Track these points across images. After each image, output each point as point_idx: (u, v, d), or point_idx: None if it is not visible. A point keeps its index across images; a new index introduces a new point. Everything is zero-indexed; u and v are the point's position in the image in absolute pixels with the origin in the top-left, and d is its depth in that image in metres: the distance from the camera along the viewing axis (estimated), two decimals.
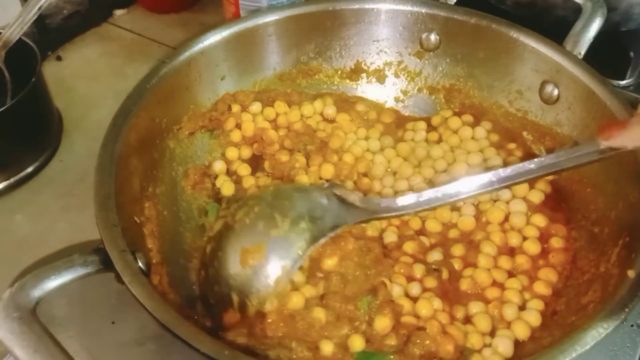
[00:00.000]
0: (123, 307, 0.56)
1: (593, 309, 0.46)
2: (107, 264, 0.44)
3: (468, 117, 0.67)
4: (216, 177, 0.64)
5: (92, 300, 0.57)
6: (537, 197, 0.59)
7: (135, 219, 0.52)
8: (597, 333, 0.41)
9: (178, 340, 0.40)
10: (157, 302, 0.42)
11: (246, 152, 0.66)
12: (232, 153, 0.65)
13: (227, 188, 0.63)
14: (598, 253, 0.52)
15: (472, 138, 0.65)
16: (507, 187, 0.53)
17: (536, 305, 0.52)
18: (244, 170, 0.65)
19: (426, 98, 0.71)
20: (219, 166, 0.64)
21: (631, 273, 0.44)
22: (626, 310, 0.42)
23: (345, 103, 0.70)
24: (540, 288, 0.53)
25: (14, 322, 0.39)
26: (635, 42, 0.76)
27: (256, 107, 0.67)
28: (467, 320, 0.52)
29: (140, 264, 0.45)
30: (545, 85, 0.62)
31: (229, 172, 0.65)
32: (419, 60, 0.70)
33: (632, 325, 0.54)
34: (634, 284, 0.44)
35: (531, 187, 0.60)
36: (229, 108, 0.66)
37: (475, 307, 0.52)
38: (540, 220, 0.58)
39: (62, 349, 0.39)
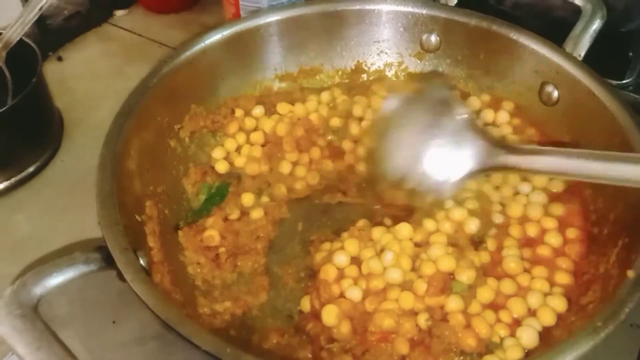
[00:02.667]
0: (124, 306, 0.56)
1: (593, 309, 0.47)
2: (108, 262, 0.44)
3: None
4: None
5: (93, 300, 0.57)
6: (558, 185, 0.60)
7: (137, 217, 0.52)
8: (597, 333, 0.41)
9: (180, 338, 0.40)
10: (158, 300, 0.42)
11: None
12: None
13: (222, 166, 0.64)
14: (598, 254, 0.53)
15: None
16: None
17: (560, 291, 0.52)
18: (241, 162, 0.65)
19: None
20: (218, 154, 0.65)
21: (631, 273, 0.45)
22: (626, 310, 0.42)
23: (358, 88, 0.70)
24: (561, 277, 0.53)
25: (16, 319, 0.39)
26: (635, 43, 0.76)
27: (259, 110, 0.67)
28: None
29: (141, 262, 0.45)
30: (545, 87, 0.62)
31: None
32: (419, 61, 0.70)
33: (631, 325, 0.54)
34: (633, 284, 0.44)
35: None
36: (232, 112, 0.67)
37: (509, 289, 0.53)
38: (558, 209, 0.58)
39: (65, 347, 0.39)
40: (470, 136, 0.50)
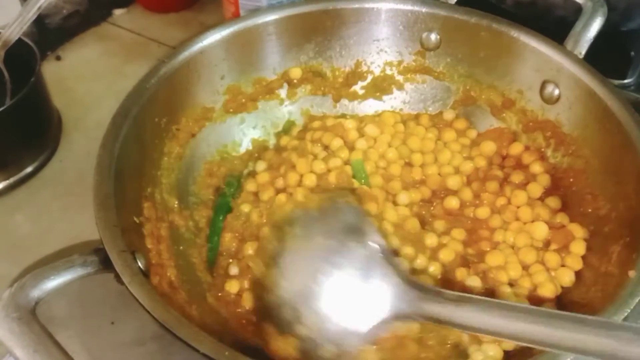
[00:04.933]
0: (122, 308, 0.56)
1: (593, 309, 0.46)
2: (106, 264, 0.44)
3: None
4: None
5: (92, 301, 0.57)
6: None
7: (135, 219, 0.52)
8: None
9: (178, 340, 0.40)
10: (156, 302, 0.42)
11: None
12: None
13: None
14: (599, 253, 0.52)
15: None
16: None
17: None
18: None
19: None
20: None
21: (632, 273, 0.44)
22: (627, 310, 0.42)
23: None
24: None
25: (13, 322, 0.39)
26: (636, 42, 0.76)
27: None
28: None
29: (139, 264, 0.45)
30: (545, 85, 0.62)
31: None
32: (419, 60, 0.70)
33: None
34: (634, 284, 0.44)
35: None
36: None
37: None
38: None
39: (62, 349, 0.38)
40: (382, 272, 0.40)
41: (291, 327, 0.41)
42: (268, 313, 0.44)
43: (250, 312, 0.51)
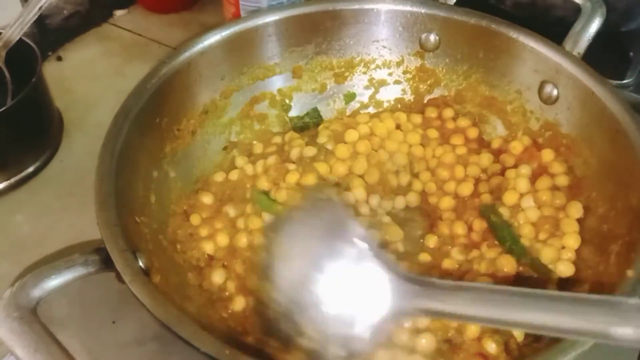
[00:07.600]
0: (123, 307, 0.56)
1: None
2: (107, 264, 0.44)
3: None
4: None
5: (93, 300, 0.57)
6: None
7: (136, 218, 0.52)
8: None
9: (179, 339, 0.40)
10: (157, 301, 0.42)
11: None
12: None
13: None
14: (597, 253, 0.53)
15: None
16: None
17: None
18: None
19: None
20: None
21: (630, 273, 0.45)
22: None
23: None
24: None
25: (14, 321, 0.39)
26: (635, 42, 0.76)
27: None
28: None
29: (140, 263, 0.45)
30: (544, 85, 0.62)
31: None
32: (419, 60, 0.70)
33: None
34: (633, 283, 0.44)
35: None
36: None
37: None
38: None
39: (63, 349, 0.39)
40: (374, 270, 0.38)
41: (294, 341, 0.40)
42: (270, 329, 0.42)
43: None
